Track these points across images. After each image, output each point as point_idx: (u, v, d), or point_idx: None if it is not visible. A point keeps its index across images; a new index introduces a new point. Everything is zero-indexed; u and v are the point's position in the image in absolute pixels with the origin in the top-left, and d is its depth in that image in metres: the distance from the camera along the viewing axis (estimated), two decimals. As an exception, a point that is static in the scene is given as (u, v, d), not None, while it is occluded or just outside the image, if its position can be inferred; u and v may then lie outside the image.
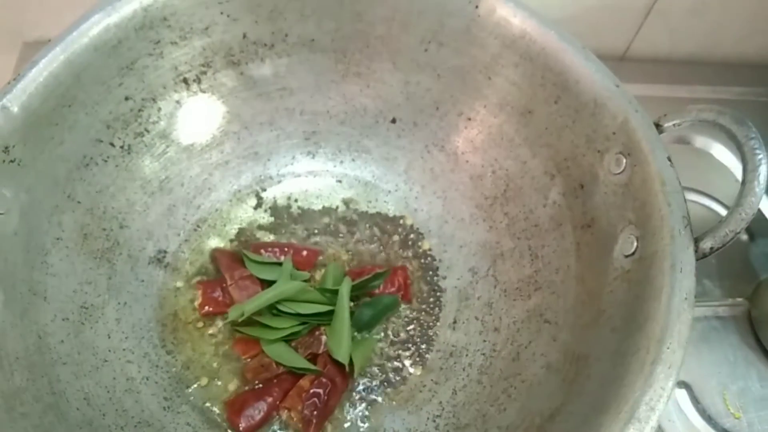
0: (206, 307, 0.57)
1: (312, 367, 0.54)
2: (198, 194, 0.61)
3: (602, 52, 0.54)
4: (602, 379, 0.44)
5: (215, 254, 0.59)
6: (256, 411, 0.52)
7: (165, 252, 0.59)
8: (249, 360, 0.55)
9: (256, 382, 0.54)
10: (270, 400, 0.53)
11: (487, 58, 0.58)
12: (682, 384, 0.61)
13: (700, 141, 0.76)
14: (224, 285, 0.57)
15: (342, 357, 0.53)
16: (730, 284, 0.68)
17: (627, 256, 0.48)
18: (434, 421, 0.54)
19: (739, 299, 0.67)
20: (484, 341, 0.57)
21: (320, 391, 0.53)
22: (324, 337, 0.56)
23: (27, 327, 0.46)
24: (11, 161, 0.46)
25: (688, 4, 0.79)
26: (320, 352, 0.55)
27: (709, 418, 0.59)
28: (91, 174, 0.53)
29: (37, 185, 0.48)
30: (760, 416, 0.60)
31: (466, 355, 0.57)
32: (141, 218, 0.57)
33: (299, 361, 0.54)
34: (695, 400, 0.60)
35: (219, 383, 0.54)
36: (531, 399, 0.50)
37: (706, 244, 0.45)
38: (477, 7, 0.56)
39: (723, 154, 0.76)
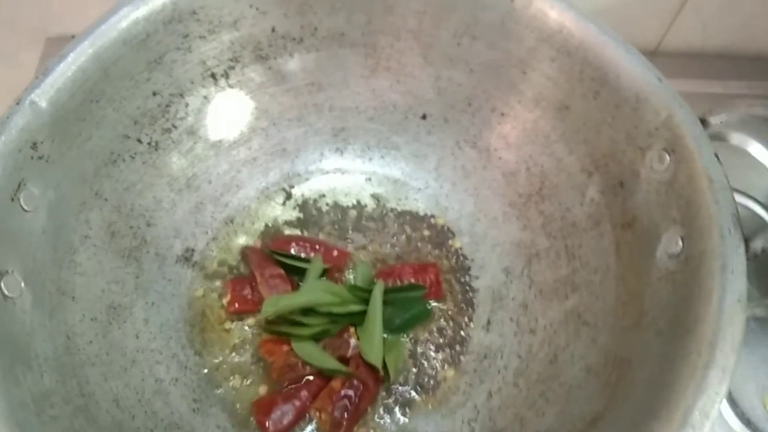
0: (235, 305, 0.56)
1: (342, 367, 0.53)
2: (226, 191, 0.60)
3: (635, 46, 0.53)
4: (649, 383, 0.43)
5: (246, 251, 0.58)
6: (285, 414, 0.51)
7: (193, 250, 0.58)
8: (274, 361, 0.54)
9: (285, 383, 0.53)
10: (299, 403, 0.52)
11: (522, 52, 0.56)
12: (721, 388, 0.59)
13: (737, 138, 0.74)
14: (254, 283, 0.56)
15: (375, 359, 0.52)
16: (767, 284, 0.66)
17: (671, 257, 0.46)
18: (470, 424, 0.53)
19: (778, 300, 0.65)
20: (520, 343, 0.56)
21: (351, 393, 0.52)
22: (353, 340, 0.55)
23: (56, 327, 0.45)
24: (39, 157, 0.45)
25: (722, -5, 0.77)
26: (349, 354, 0.54)
27: (748, 422, 0.58)
28: (119, 171, 0.52)
29: (65, 182, 0.48)
30: (801, 420, 0.58)
31: (501, 357, 0.56)
32: (168, 216, 0.56)
33: (329, 362, 0.53)
34: (734, 404, 0.58)
35: (249, 384, 0.53)
36: (571, 403, 0.49)
37: (757, 244, 0.44)
38: (512, 0, 0.54)
39: (760, 151, 0.74)
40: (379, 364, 0.52)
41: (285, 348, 0.54)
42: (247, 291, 0.56)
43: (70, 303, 0.47)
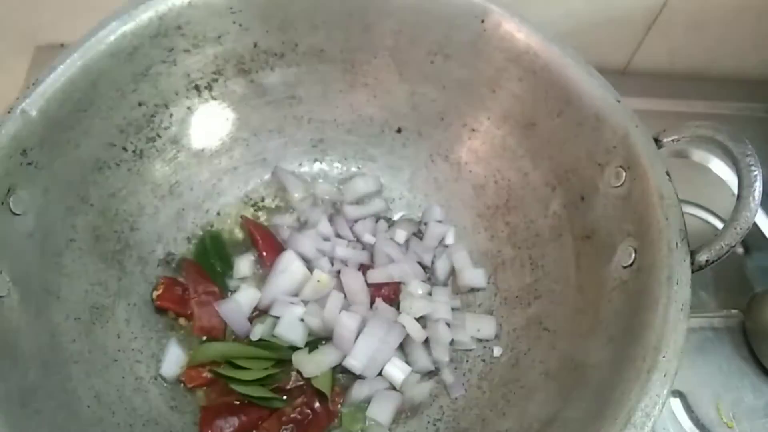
0: (164, 302, 0.57)
1: (274, 396, 0.54)
2: (207, 198, 0.63)
3: (604, 66, 0.55)
4: (599, 386, 0.46)
5: (183, 264, 0.60)
6: (227, 424, 0.52)
7: (173, 255, 0.60)
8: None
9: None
10: (244, 419, 0.53)
11: (492, 71, 0.59)
12: (677, 393, 0.62)
13: (698, 155, 0.77)
14: (187, 291, 0.58)
15: (322, 385, 0.53)
16: (725, 296, 0.69)
17: (625, 267, 0.49)
18: (434, 425, 0.55)
19: (734, 311, 0.68)
20: (485, 348, 0.58)
21: (299, 417, 0.53)
22: (293, 373, 0.55)
23: (41, 325, 0.47)
24: (29, 163, 0.47)
25: (689, 19, 0.80)
26: (289, 386, 0.55)
27: (702, 427, 0.60)
28: (104, 177, 0.55)
29: (53, 188, 0.50)
30: (752, 426, 0.61)
31: (467, 361, 0.58)
32: (151, 221, 0.59)
33: (261, 391, 0.53)
34: (689, 409, 0.61)
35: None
36: (530, 405, 0.51)
37: (702, 257, 0.46)
38: (483, 21, 0.57)
39: (721, 168, 0.77)
40: (327, 391, 0.54)
41: (205, 374, 0.55)
42: (179, 292, 0.58)
43: (56, 303, 0.49)
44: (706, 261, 0.46)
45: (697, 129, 0.49)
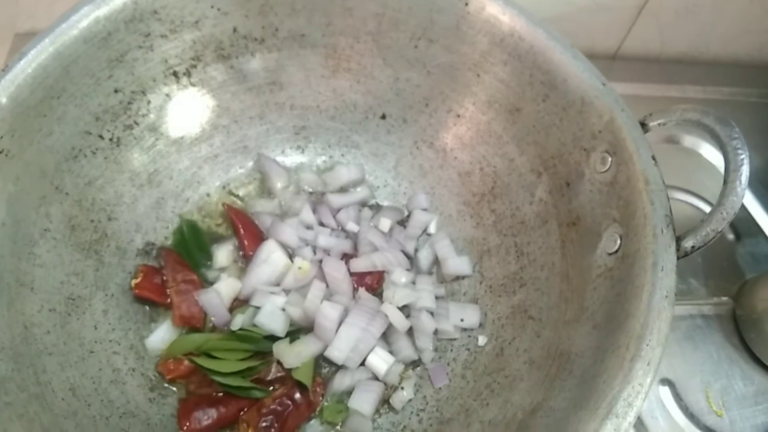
0: (143, 290, 0.56)
1: (254, 387, 0.53)
2: (187, 187, 0.61)
3: (594, 51, 0.55)
4: (583, 375, 0.45)
5: (162, 252, 0.59)
6: (205, 416, 0.51)
7: (153, 244, 0.59)
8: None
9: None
10: (223, 410, 0.52)
11: (476, 55, 0.58)
12: (666, 381, 0.61)
13: (689, 140, 0.77)
14: (165, 279, 0.57)
15: (303, 377, 0.53)
16: (715, 283, 0.69)
17: (610, 254, 0.49)
18: (418, 415, 0.54)
19: (724, 298, 0.67)
20: (469, 336, 0.58)
21: (280, 409, 0.52)
22: (274, 365, 0.54)
23: (13, 317, 0.46)
24: (-1, 152, 0.46)
25: (679, 4, 0.79)
26: (269, 378, 0.54)
27: (691, 416, 0.60)
28: (80, 166, 0.53)
29: (25, 176, 0.49)
30: (741, 414, 0.60)
31: (451, 350, 0.57)
32: (129, 211, 0.57)
33: (241, 382, 0.53)
34: (678, 398, 0.61)
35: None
36: (513, 394, 0.51)
37: (688, 243, 0.45)
38: (467, 4, 0.56)
39: (711, 153, 0.76)
40: (308, 382, 0.53)
41: (184, 365, 0.54)
42: (158, 281, 0.57)
43: (29, 294, 0.48)
44: (692, 247, 0.45)
45: (684, 113, 0.48)
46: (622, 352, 0.42)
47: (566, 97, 0.53)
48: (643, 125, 0.50)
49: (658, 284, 0.43)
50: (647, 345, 0.41)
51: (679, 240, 0.45)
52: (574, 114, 0.53)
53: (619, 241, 0.48)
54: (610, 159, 0.50)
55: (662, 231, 0.45)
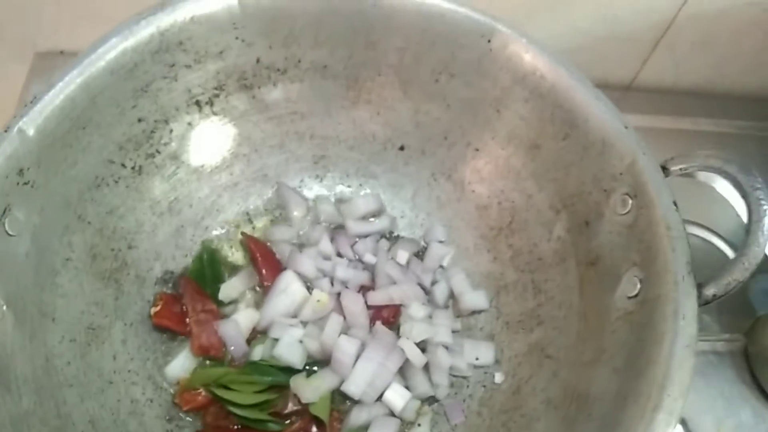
0: (162, 319, 0.56)
1: (272, 420, 0.53)
2: (206, 215, 0.62)
3: (608, 82, 0.55)
4: (603, 420, 0.45)
5: (181, 281, 0.59)
6: None
7: (172, 272, 0.59)
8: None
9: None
10: None
11: (497, 91, 0.58)
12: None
13: (703, 175, 0.77)
14: (186, 309, 0.57)
15: (320, 411, 0.53)
16: (728, 319, 0.69)
17: (630, 297, 0.49)
18: (433, 451, 0.55)
19: (737, 335, 0.67)
20: (485, 373, 0.58)
21: None
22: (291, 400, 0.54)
23: (36, 349, 0.46)
24: (25, 183, 0.46)
25: (695, 36, 0.80)
26: (287, 411, 0.54)
27: (703, 453, 0.60)
28: (102, 195, 0.54)
29: (49, 206, 0.49)
30: (753, 453, 0.60)
31: (467, 387, 0.58)
32: (149, 239, 0.58)
33: (258, 414, 0.53)
34: (690, 435, 0.61)
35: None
36: (530, 434, 0.51)
37: (709, 291, 0.46)
38: (489, 41, 0.56)
39: (726, 189, 0.76)
40: (325, 417, 0.53)
41: (202, 396, 0.54)
42: (177, 310, 0.57)
43: (51, 324, 0.48)
44: (713, 295, 0.45)
45: (707, 159, 0.49)
46: (643, 401, 0.42)
47: (587, 137, 0.54)
48: (665, 169, 0.50)
49: (680, 332, 0.43)
50: (669, 395, 0.41)
51: (700, 287, 0.46)
52: (595, 154, 0.53)
53: (639, 285, 0.48)
54: (630, 201, 0.50)
55: (683, 278, 0.45)
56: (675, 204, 0.48)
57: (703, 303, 0.45)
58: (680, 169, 0.50)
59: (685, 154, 0.50)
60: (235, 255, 0.62)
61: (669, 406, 0.41)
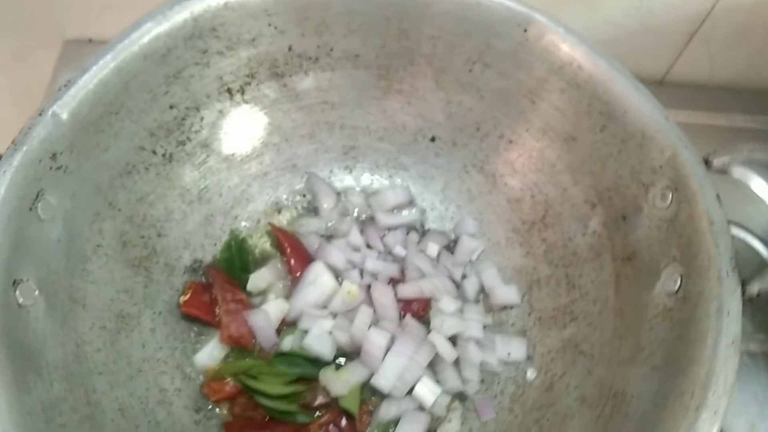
0: (191, 308, 0.55)
1: (300, 411, 0.53)
2: (236, 204, 0.61)
3: (641, 76, 0.53)
4: (641, 419, 0.44)
5: (209, 271, 0.58)
6: None
7: (201, 261, 0.59)
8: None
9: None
10: None
11: (533, 82, 0.57)
12: (712, 421, 0.60)
13: (739, 172, 0.75)
14: (215, 298, 0.56)
15: (349, 404, 0.52)
16: (761, 319, 0.67)
17: (670, 294, 0.47)
18: (464, 448, 0.54)
19: (771, 335, 0.66)
20: (517, 369, 0.57)
21: None
22: (320, 392, 0.54)
23: (66, 335, 0.46)
24: (58, 168, 0.46)
25: (730, 30, 0.78)
26: (316, 404, 0.53)
27: (737, 456, 0.59)
28: (133, 181, 0.53)
29: (81, 192, 0.48)
30: (789, 457, 0.59)
31: (498, 383, 0.57)
32: (179, 227, 0.57)
33: (287, 406, 0.53)
34: (724, 437, 0.59)
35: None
36: (564, 432, 0.50)
37: (754, 288, 0.44)
38: (526, 30, 0.55)
39: (762, 187, 0.74)
40: (355, 411, 0.52)
41: (230, 386, 0.53)
42: (206, 299, 0.56)
43: (81, 311, 0.48)
44: (758, 293, 0.44)
45: (752, 152, 0.47)
46: (686, 400, 0.41)
47: (626, 129, 0.52)
48: (707, 162, 0.49)
49: (724, 330, 0.42)
50: (713, 394, 0.40)
51: (743, 284, 0.44)
52: (634, 147, 0.52)
53: (679, 281, 0.47)
54: (671, 195, 0.49)
55: (727, 274, 0.44)
56: (718, 198, 0.47)
57: (747, 300, 0.44)
58: (723, 162, 0.49)
59: (728, 147, 0.49)
60: (264, 245, 0.61)
61: (714, 404, 0.40)
